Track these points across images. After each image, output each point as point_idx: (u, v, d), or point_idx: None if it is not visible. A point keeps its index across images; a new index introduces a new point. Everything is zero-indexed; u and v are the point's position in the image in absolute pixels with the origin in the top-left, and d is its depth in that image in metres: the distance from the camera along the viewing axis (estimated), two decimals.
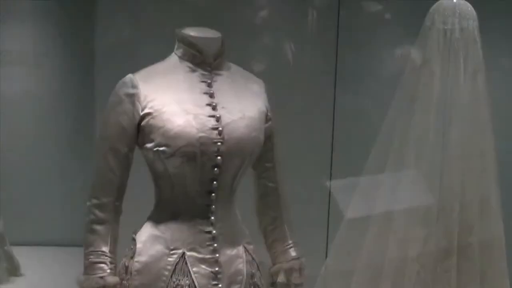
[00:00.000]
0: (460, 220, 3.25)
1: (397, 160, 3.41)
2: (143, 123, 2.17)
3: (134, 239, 2.25)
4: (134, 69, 2.25)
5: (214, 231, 2.20)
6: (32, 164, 7.75)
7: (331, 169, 4.21)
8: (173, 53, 2.32)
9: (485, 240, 3.27)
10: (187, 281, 2.15)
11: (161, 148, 2.13)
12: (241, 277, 2.24)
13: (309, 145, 4.49)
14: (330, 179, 4.15)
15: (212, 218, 2.20)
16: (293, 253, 2.47)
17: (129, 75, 2.22)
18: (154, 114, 2.15)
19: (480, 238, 3.26)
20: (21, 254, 6.71)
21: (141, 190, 2.42)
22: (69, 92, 7.71)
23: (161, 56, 2.34)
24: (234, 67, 2.39)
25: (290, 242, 2.48)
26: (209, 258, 2.19)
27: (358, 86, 4.65)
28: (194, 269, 2.17)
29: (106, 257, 2.18)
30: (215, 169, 2.16)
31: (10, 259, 6.51)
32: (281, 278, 2.43)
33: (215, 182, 2.18)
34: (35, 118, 7.81)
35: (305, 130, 4.48)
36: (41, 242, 7.44)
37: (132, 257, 2.22)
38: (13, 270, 6.49)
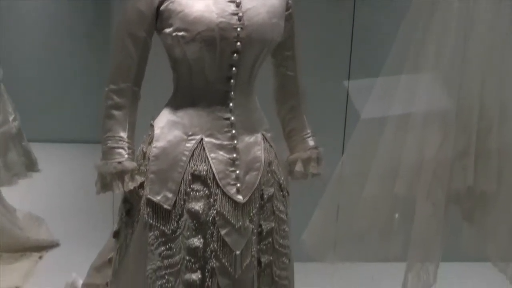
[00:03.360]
0: (478, 121, 3.22)
1: (416, 62, 3.35)
2: (162, 7, 2.14)
3: (152, 125, 2.25)
4: None
5: (232, 118, 2.19)
6: (49, 60, 7.75)
7: (349, 69, 4.16)
8: None
9: (504, 143, 3.25)
10: (204, 167, 2.15)
11: (180, 33, 2.10)
12: (258, 164, 2.24)
13: (327, 45, 4.44)
14: (348, 79, 4.10)
15: (231, 104, 2.19)
16: (311, 142, 2.47)
17: None
18: None
19: (499, 140, 3.24)
20: (38, 150, 6.79)
21: (159, 77, 2.40)
22: None
23: None
24: None
25: (308, 131, 2.48)
26: (227, 144, 2.18)
27: None
28: (212, 155, 2.16)
29: (124, 143, 2.18)
30: (235, 55, 2.13)
31: (28, 154, 6.59)
32: (298, 167, 2.43)
33: (234, 69, 2.15)
34: (51, 12, 7.75)
35: (324, 29, 4.42)
36: (58, 139, 7.51)
37: (150, 143, 2.22)
38: (31, 166, 6.58)
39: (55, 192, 6.06)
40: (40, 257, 4.72)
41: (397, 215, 3.46)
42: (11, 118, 6.41)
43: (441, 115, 3.26)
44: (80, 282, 3.38)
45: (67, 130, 7.56)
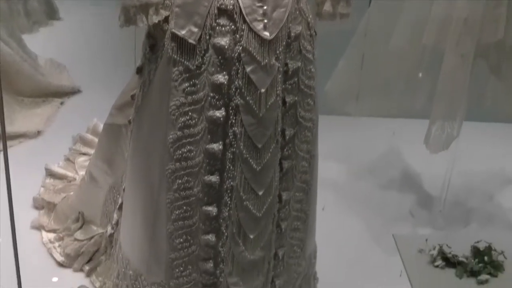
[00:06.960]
0: None
1: None
2: None
3: None
4: None
5: None
6: None
7: None
8: None
9: None
10: (231, 1, 2.07)
11: None
12: (286, 0, 2.16)
13: None
14: None
15: None
16: None
17: None
18: None
19: None
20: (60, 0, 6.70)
21: None
22: None
23: None
24: None
25: None
26: None
27: None
28: None
29: None
30: None
31: (49, 2, 6.50)
32: (327, 7, 2.35)
33: None
34: None
35: None
36: None
37: None
38: (52, 13, 6.50)
39: (76, 41, 6.01)
40: (62, 103, 4.76)
41: (420, 74, 3.43)
42: None
43: None
44: (101, 126, 3.40)
45: None
